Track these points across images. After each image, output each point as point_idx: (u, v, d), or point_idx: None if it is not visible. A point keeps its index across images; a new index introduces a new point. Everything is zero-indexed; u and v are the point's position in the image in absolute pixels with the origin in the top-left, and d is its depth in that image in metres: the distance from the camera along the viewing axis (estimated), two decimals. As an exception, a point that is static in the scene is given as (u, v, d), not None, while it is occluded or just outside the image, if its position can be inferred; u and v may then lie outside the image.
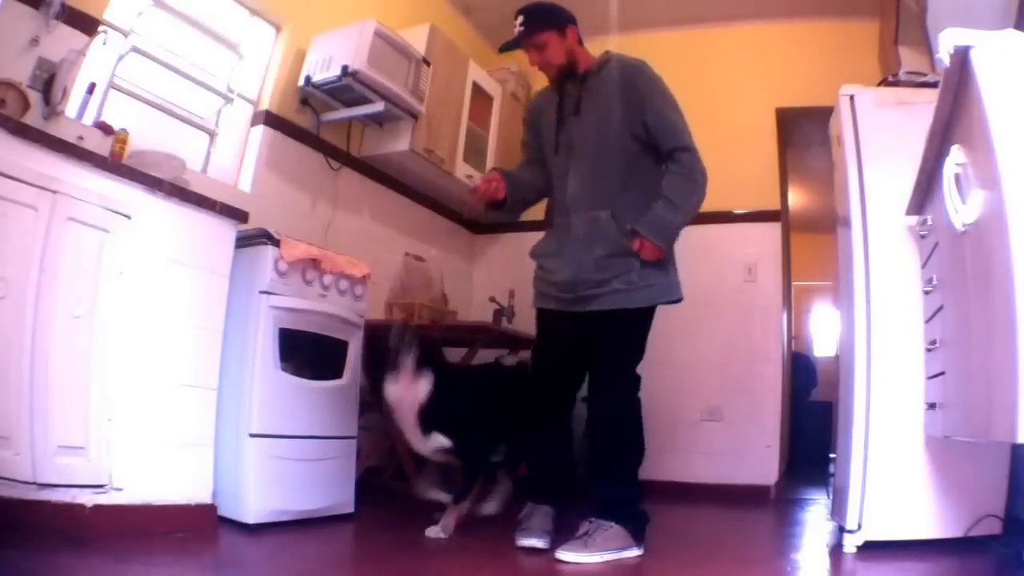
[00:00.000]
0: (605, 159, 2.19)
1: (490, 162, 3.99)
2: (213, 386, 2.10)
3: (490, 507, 2.45)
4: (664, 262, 2.16)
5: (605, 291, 2.10)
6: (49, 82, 2.14)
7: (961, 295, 1.56)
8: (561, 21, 2.30)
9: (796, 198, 5.76)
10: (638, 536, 2.04)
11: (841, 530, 2.15)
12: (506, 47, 2.34)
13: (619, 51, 2.37)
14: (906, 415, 2.04)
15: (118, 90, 2.50)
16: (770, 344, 3.71)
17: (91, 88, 2.31)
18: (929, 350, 1.93)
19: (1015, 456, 2.07)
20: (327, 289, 2.44)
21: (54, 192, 1.74)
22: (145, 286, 1.94)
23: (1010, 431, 1.16)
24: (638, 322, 2.14)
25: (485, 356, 3.60)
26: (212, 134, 2.92)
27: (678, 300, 2.22)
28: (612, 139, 2.19)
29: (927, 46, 2.50)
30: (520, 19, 2.26)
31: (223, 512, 2.09)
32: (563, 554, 1.92)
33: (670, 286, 2.18)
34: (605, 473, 2.12)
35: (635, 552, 2.02)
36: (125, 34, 2.50)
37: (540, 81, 4.48)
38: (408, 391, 2.19)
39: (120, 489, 1.84)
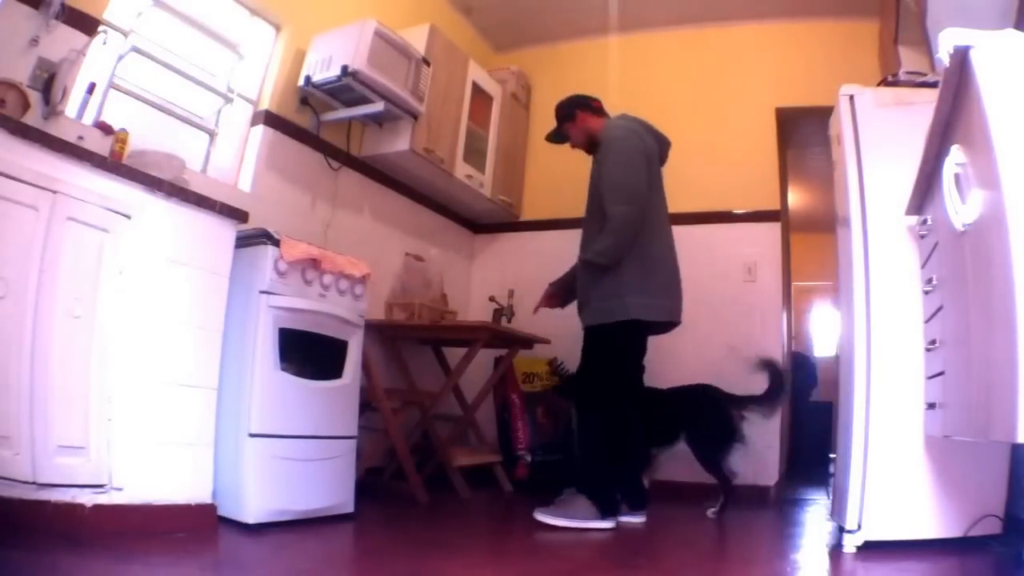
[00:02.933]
0: (593, 210, 2.69)
1: (490, 162, 4.00)
2: (213, 386, 2.10)
3: None
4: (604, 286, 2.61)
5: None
6: (49, 82, 2.14)
7: (961, 295, 1.56)
8: (571, 112, 2.89)
9: (796, 198, 5.76)
10: (606, 512, 2.45)
11: (841, 530, 2.15)
12: (554, 140, 2.99)
13: (644, 104, 3.09)
14: (906, 415, 2.04)
15: (118, 90, 2.50)
16: (770, 344, 3.70)
17: (91, 88, 2.31)
18: (929, 350, 1.93)
19: (1015, 456, 2.07)
20: (327, 289, 2.44)
21: (54, 192, 1.74)
22: (145, 286, 1.94)
23: (1010, 431, 1.16)
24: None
25: (485, 356, 3.61)
26: (212, 134, 2.92)
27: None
28: (595, 194, 2.68)
29: (927, 46, 2.50)
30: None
31: (223, 512, 2.09)
32: (537, 514, 2.43)
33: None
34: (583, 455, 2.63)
35: (602, 524, 2.43)
36: (125, 34, 2.50)
37: (540, 81, 4.50)
38: None
39: (120, 489, 1.84)
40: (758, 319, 3.73)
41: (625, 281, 2.56)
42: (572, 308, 2.85)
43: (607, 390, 2.57)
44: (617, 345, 2.61)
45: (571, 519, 2.41)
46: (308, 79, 3.01)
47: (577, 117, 2.86)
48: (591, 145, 2.82)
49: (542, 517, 2.43)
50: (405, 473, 2.91)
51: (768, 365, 3.04)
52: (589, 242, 2.66)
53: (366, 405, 2.75)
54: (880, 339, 2.11)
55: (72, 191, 1.78)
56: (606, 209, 2.56)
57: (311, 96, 3.12)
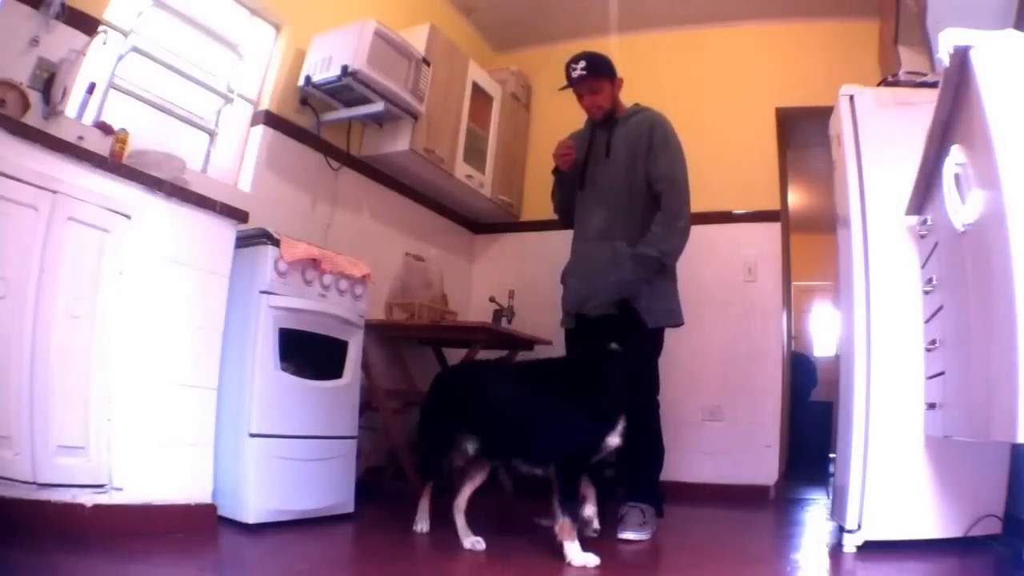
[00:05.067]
0: (633, 200, 2.59)
1: (490, 162, 4.00)
2: (213, 386, 2.10)
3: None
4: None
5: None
6: (49, 82, 2.14)
7: (961, 295, 1.56)
8: (614, 72, 2.69)
9: (796, 198, 5.76)
10: (661, 511, 2.52)
11: (841, 530, 2.15)
12: (567, 86, 2.67)
13: (646, 104, 2.78)
14: (906, 415, 2.04)
15: (118, 90, 2.50)
16: (770, 344, 3.70)
17: (91, 88, 2.31)
18: (929, 350, 1.93)
19: (1015, 456, 2.07)
20: (327, 289, 2.44)
21: (54, 192, 1.74)
22: (145, 286, 1.94)
23: (1010, 431, 1.16)
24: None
25: (485, 356, 3.60)
26: (212, 134, 2.92)
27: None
28: (639, 181, 2.59)
29: (927, 46, 2.50)
30: (582, 63, 2.61)
31: (223, 512, 2.09)
32: (625, 534, 2.31)
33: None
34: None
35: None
36: (125, 34, 2.50)
37: (540, 81, 4.50)
38: None
39: (120, 489, 1.84)
40: (758, 319, 3.73)
41: (676, 285, 2.64)
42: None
43: (655, 391, 2.56)
44: (662, 346, 2.62)
45: (650, 528, 2.38)
46: (308, 79, 3.01)
47: (616, 83, 2.69)
48: (606, 115, 2.68)
49: (632, 536, 2.31)
50: (405, 473, 2.91)
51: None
52: (630, 230, 2.54)
53: (366, 405, 2.75)
54: (880, 339, 2.11)
55: (72, 191, 1.78)
56: (672, 206, 2.51)
57: (311, 96, 3.12)
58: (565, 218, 2.86)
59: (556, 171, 2.78)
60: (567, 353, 2.68)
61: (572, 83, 2.65)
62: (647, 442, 2.51)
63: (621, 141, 2.65)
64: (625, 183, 2.60)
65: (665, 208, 2.52)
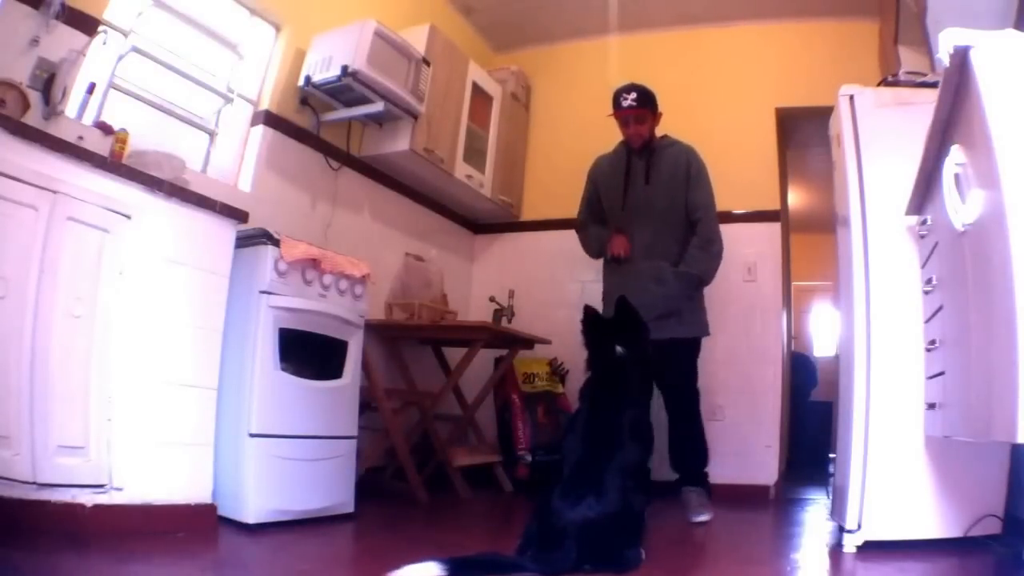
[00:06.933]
0: (671, 223, 2.88)
1: (490, 162, 4.00)
2: (213, 386, 2.10)
3: None
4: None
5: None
6: (49, 82, 2.14)
7: (961, 295, 1.56)
8: (657, 106, 2.98)
9: (796, 198, 5.76)
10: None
11: (841, 530, 2.15)
12: (615, 113, 2.95)
13: (672, 133, 3.08)
14: (906, 415, 2.04)
15: (118, 90, 2.50)
16: (770, 344, 3.70)
17: (91, 88, 2.31)
18: (929, 350, 1.93)
19: (1015, 456, 2.06)
20: (327, 289, 2.44)
21: (54, 192, 1.74)
22: (145, 286, 1.94)
23: (1010, 431, 1.16)
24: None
25: (485, 356, 3.61)
26: (212, 134, 2.92)
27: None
28: (678, 207, 2.88)
29: (927, 46, 2.50)
30: (633, 95, 2.91)
31: (223, 512, 2.09)
32: (696, 517, 2.65)
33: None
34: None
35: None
36: (125, 34, 2.50)
37: (540, 81, 4.50)
38: None
39: (120, 489, 1.84)
40: (758, 319, 3.73)
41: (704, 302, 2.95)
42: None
43: (697, 388, 2.89)
44: (699, 350, 2.94)
45: (710, 508, 2.71)
46: (308, 79, 3.01)
47: (658, 116, 2.99)
48: (644, 144, 2.95)
49: (702, 518, 2.65)
50: (405, 473, 2.91)
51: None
52: (669, 250, 2.86)
53: (366, 405, 2.75)
54: (880, 339, 2.11)
55: (72, 191, 1.78)
56: (709, 232, 2.83)
57: (311, 96, 3.12)
58: (599, 256, 3.13)
59: (602, 254, 3.06)
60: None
61: (620, 111, 2.92)
62: (697, 432, 2.85)
63: (659, 169, 2.93)
64: (664, 207, 2.88)
65: (702, 233, 2.83)
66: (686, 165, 2.91)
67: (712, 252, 2.83)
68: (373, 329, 3.15)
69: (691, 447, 2.86)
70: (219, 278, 2.14)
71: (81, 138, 2.11)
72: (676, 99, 4.06)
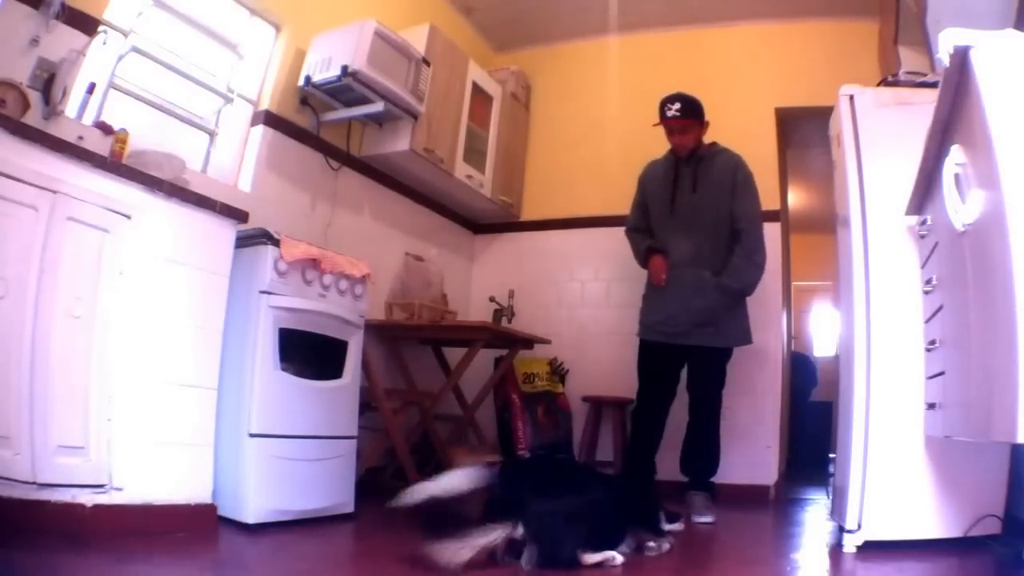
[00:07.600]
0: (717, 231, 2.90)
1: (490, 162, 3.99)
2: (213, 386, 2.10)
3: None
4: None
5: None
6: (49, 82, 2.14)
7: (961, 295, 1.56)
8: (703, 116, 2.96)
9: (796, 198, 5.76)
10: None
11: (841, 530, 2.15)
12: (660, 122, 2.94)
13: (721, 142, 3.07)
14: (906, 415, 2.04)
15: (118, 90, 2.50)
16: (770, 344, 3.70)
17: (91, 88, 2.31)
18: (929, 350, 1.93)
19: (1015, 456, 2.06)
20: (327, 289, 2.44)
21: (54, 192, 1.74)
22: (145, 286, 1.94)
23: (1010, 431, 1.16)
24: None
25: (485, 356, 3.61)
26: (212, 134, 2.92)
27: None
28: (723, 215, 2.89)
29: (927, 46, 2.50)
30: (677, 105, 2.89)
31: (223, 512, 2.09)
32: (700, 519, 2.71)
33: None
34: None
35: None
36: (125, 34, 2.50)
37: (540, 81, 4.49)
38: None
39: (120, 489, 1.84)
40: (758, 319, 3.72)
41: (747, 308, 2.97)
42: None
43: (721, 398, 2.96)
44: (730, 357, 3.00)
45: (713, 511, 2.78)
46: (308, 79, 3.01)
47: (704, 125, 2.98)
48: (691, 153, 2.95)
49: (705, 519, 2.72)
50: (405, 473, 2.91)
51: None
52: (712, 258, 2.88)
53: (366, 405, 2.75)
54: (880, 339, 2.11)
55: (72, 191, 1.78)
56: (752, 243, 2.85)
57: (311, 96, 3.12)
58: (642, 267, 3.12)
59: (644, 266, 3.08)
60: (640, 363, 2.97)
61: (665, 120, 2.91)
62: (712, 442, 2.93)
63: (707, 177, 2.94)
64: (710, 216, 2.90)
65: (745, 244, 2.85)
66: (732, 174, 2.92)
67: (755, 263, 2.86)
68: (373, 329, 3.15)
69: (705, 455, 2.94)
70: (219, 278, 2.14)
71: (81, 138, 2.11)
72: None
